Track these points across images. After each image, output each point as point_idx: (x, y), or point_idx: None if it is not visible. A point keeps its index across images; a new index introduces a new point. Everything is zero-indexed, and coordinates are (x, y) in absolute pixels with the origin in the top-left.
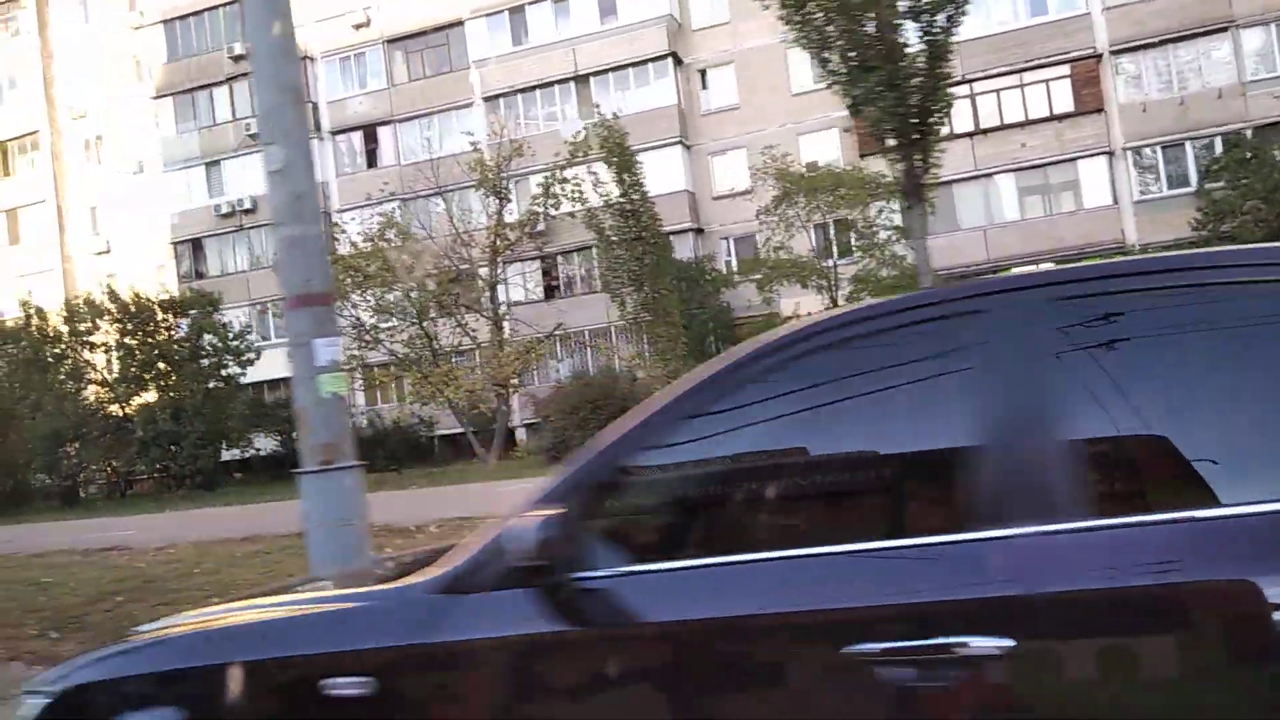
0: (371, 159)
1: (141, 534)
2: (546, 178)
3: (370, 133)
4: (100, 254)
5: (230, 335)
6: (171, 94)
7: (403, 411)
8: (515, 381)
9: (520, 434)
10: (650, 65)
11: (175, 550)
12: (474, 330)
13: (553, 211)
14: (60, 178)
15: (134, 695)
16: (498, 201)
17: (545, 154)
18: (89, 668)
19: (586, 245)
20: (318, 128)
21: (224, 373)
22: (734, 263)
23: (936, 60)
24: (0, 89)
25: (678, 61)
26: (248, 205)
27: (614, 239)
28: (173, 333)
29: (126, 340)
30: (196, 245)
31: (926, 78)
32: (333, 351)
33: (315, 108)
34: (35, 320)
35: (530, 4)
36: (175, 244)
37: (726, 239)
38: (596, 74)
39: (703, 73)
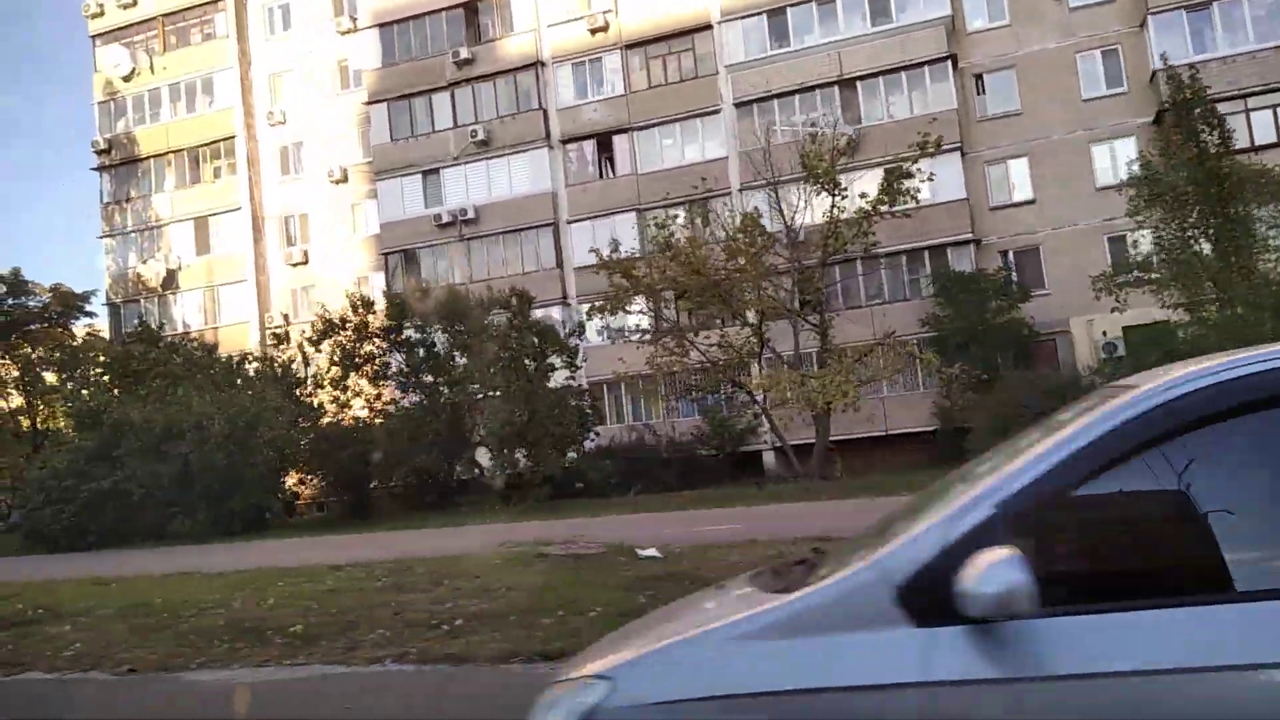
0: (603, 168)
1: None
2: (899, 168)
3: (604, 140)
4: (297, 264)
5: (564, 335)
6: (385, 100)
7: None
8: (854, 394)
9: (768, 457)
10: (926, 68)
11: None
12: (770, 338)
13: (897, 209)
14: (256, 185)
15: None
16: (830, 198)
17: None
18: None
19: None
20: (547, 136)
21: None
22: (1013, 276)
23: None
24: (195, 94)
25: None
26: (470, 215)
27: None
28: (495, 334)
29: (446, 336)
30: (409, 256)
31: None
32: None
33: (545, 115)
34: (359, 311)
35: (791, 6)
36: (386, 254)
37: (1005, 251)
38: (864, 78)
39: (979, 77)
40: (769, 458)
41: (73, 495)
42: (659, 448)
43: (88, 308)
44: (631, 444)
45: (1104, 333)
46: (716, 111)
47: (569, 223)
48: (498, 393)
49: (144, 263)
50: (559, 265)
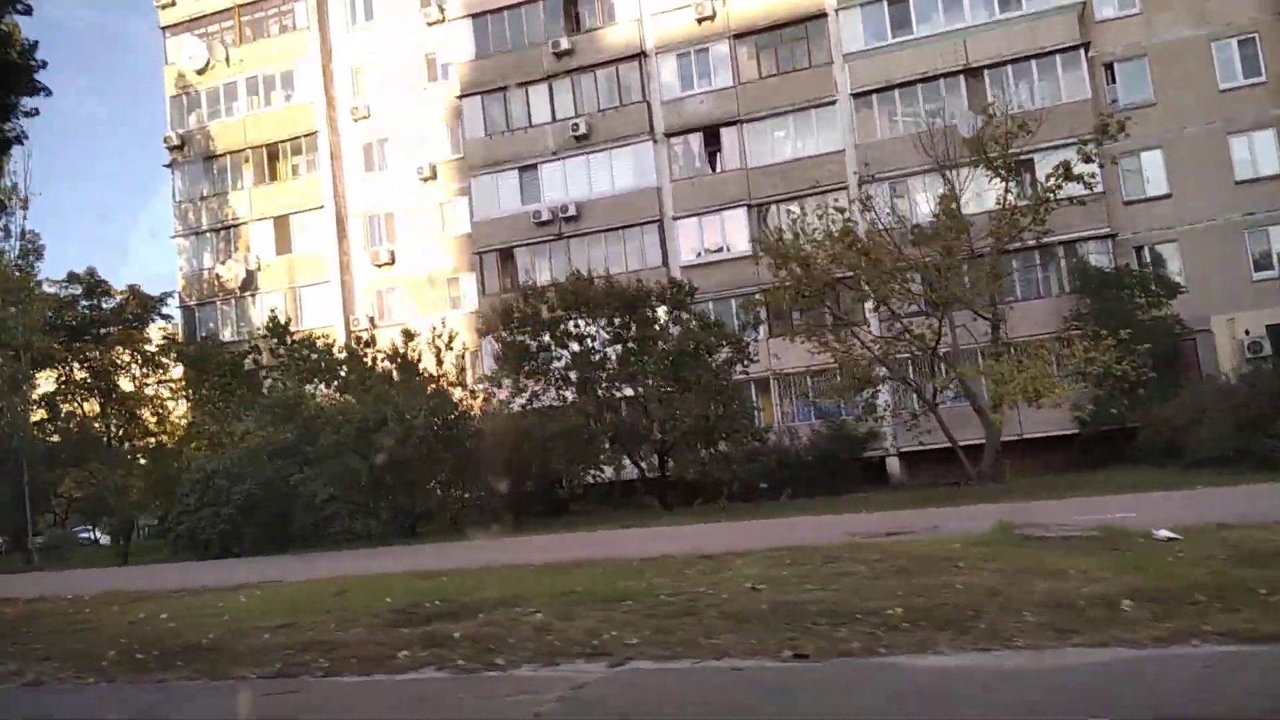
0: (711, 161)
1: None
2: (1081, 149)
3: (711, 133)
4: (383, 265)
5: (735, 329)
6: (479, 93)
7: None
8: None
9: (893, 463)
10: (1058, 56)
11: None
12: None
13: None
14: (339, 182)
15: None
16: (1004, 183)
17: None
18: None
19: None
20: (651, 129)
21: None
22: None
23: None
24: (274, 87)
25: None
26: (571, 211)
27: None
28: (660, 326)
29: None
30: (505, 254)
31: None
32: None
33: (649, 108)
34: (530, 301)
35: None
36: (480, 253)
37: (1140, 247)
38: (991, 66)
39: (1108, 66)
40: (893, 464)
41: (226, 498)
42: (794, 450)
43: (164, 310)
44: (772, 446)
45: (1246, 331)
46: (832, 102)
47: (675, 219)
48: (670, 388)
49: (222, 263)
50: (664, 263)
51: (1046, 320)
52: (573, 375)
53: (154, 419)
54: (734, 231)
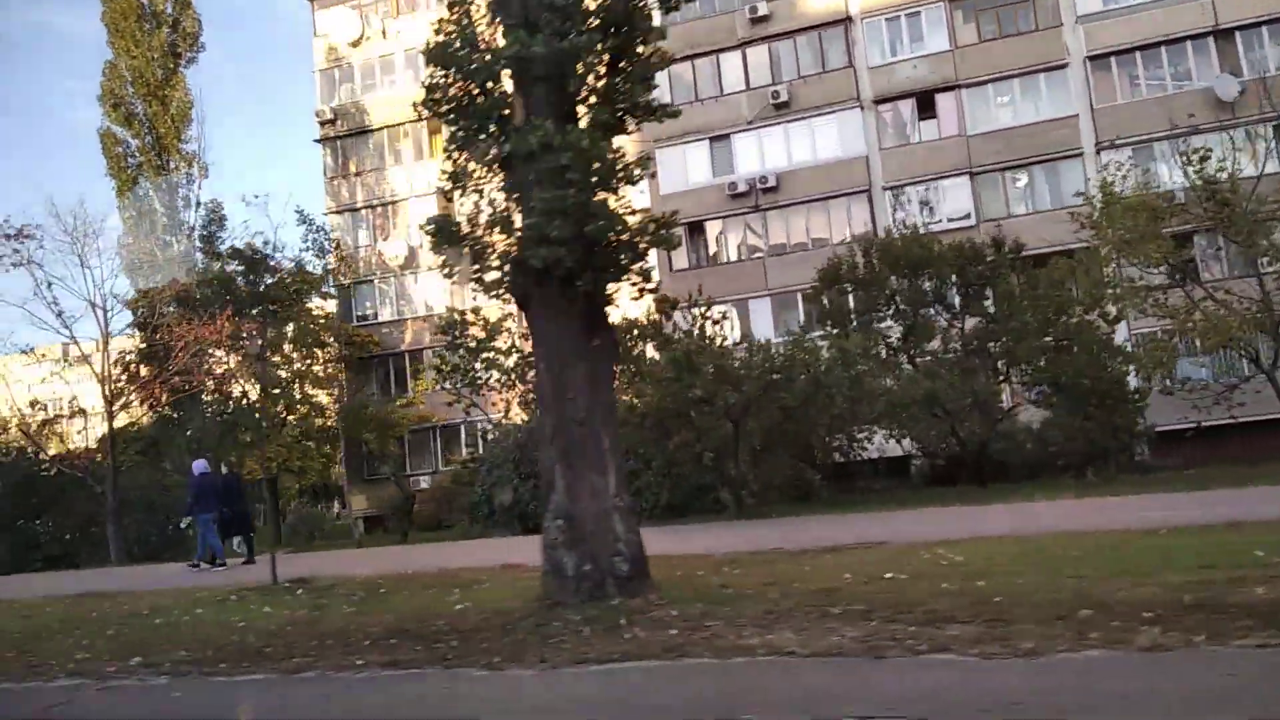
0: (924, 129)
1: None
2: None
3: (925, 100)
4: None
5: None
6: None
7: None
8: None
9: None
10: None
11: None
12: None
13: None
14: None
15: None
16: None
17: (1169, 118)
18: None
19: None
20: (857, 96)
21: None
22: None
23: None
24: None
25: None
26: (771, 183)
27: None
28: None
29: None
30: (694, 228)
31: None
32: None
33: (854, 74)
34: (869, 256)
35: None
36: None
37: None
38: (1244, 28)
39: None
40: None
41: (533, 470)
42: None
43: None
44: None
45: None
46: (1063, 65)
47: (885, 188)
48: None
49: (384, 239)
50: (874, 233)
51: None
52: (899, 339)
53: (329, 400)
54: (953, 200)
